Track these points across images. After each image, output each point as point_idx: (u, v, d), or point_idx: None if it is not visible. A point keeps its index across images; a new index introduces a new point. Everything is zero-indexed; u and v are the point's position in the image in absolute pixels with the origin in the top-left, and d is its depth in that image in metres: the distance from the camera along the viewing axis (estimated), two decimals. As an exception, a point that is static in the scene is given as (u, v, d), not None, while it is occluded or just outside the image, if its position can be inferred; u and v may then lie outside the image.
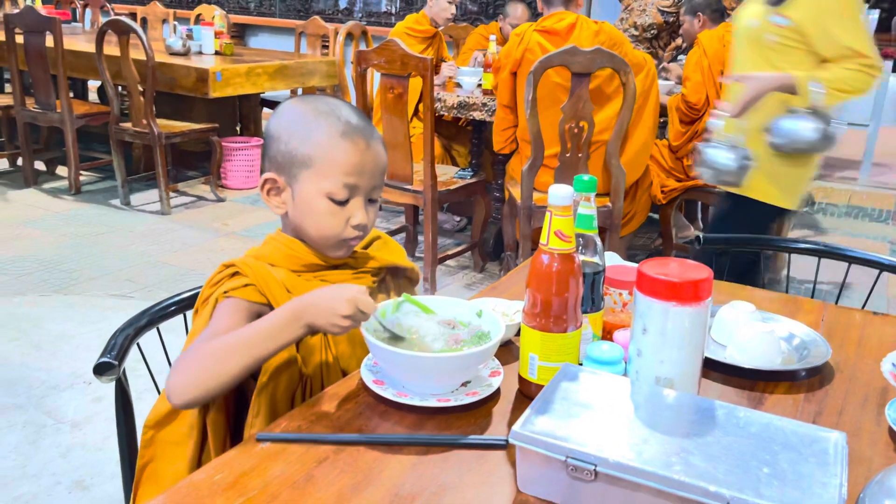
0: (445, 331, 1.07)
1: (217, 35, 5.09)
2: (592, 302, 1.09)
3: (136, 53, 4.26)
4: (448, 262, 3.79)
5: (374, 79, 3.73)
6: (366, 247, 1.27)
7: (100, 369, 1.11)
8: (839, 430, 0.86)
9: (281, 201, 1.18)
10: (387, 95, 3.30)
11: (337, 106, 1.17)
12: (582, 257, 1.06)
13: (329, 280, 1.18)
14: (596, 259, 1.08)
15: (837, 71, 2.17)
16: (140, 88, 4.31)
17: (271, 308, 1.08)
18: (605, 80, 3.06)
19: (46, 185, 4.88)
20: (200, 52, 5.04)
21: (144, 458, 1.14)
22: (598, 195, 3.06)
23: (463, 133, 4.27)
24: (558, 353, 1.02)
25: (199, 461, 1.12)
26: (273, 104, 5.68)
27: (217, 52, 5.07)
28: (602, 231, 3.22)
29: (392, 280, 1.30)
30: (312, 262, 1.17)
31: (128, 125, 4.41)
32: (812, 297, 1.60)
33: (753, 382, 1.12)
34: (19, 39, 4.53)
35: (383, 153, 1.19)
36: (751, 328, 1.17)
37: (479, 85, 3.77)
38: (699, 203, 3.99)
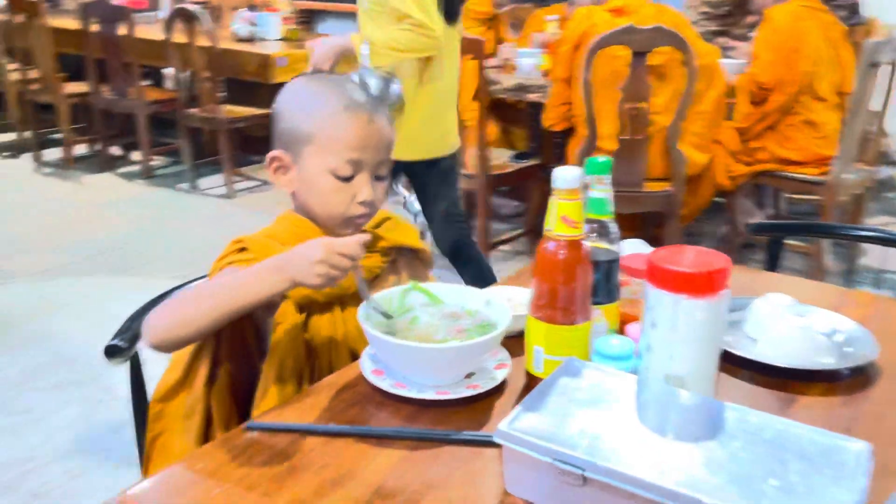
0: (448, 321, 1.02)
1: (282, 21, 5.13)
2: (607, 292, 1.02)
3: (204, 41, 4.34)
4: (502, 247, 3.73)
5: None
6: (376, 227, 1.24)
7: (109, 352, 1.12)
8: (876, 439, 0.78)
9: (288, 180, 1.17)
10: (441, 78, 3.25)
11: (342, 81, 1.16)
12: (595, 244, 1.00)
13: None
14: (611, 246, 1.01)
15: (392, 31, 2.28)
16: (206, 74, 4.39)
17: None
18: (667, 60, 2.93)
19: (121, 170, 5.05)
20: (265, 39, 5.10)
21: (154, 431, 1.14)
22: (657, 179, 3.01)
23: (522, 116, 4.18)
24: (565, 346, 0.96)
25: (206, 436, 1.11)
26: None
27: (282, 38, 5.12)
28: (661, 217, 3.10)
29: (403, 262, 1.27)
30: None
31: (195, 111, 4.51)
32: (877, 289, 1.48)
33: (785, 382, 1.03)
34: (95, 29, 4.68)
35: (388, 128, 1.16)
36: (785, 322, 1.08)
37: (538, 66, 3.67)
38: (770, 189, 3.79)
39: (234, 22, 5.11)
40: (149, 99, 4.69)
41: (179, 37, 4.41)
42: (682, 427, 0.80)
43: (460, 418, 0.94)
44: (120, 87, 4.71)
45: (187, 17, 4.29)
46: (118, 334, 1.14)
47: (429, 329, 1.01)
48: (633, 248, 1.16)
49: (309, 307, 1.10)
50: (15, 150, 5.42)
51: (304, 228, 1.15)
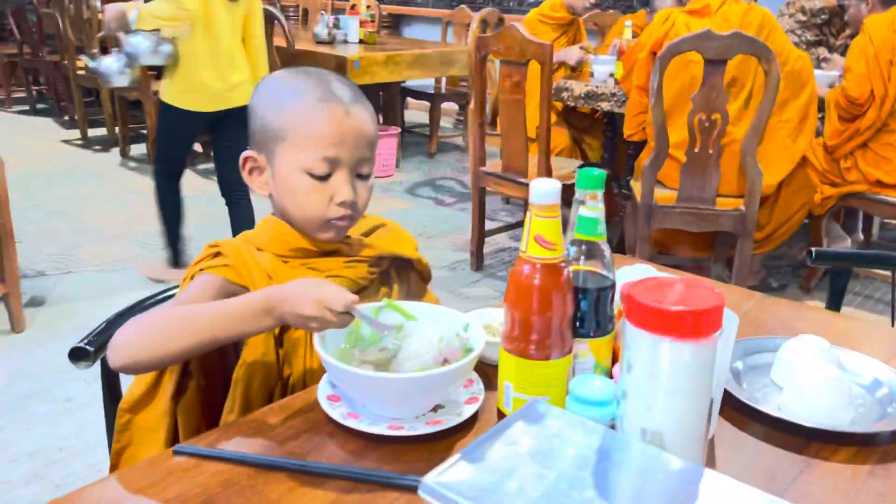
0: (433, 347, 0.90)
1: (362, 24, 5.14)
2: (597, 324, 0.89)
3: (282, 41, 4.38)
4: (566, 261, 3.58)
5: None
6: (366, 234, 1.16)
7: (74, 355, 1.07)
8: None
9: (263, 182, 1.10)
10: (505, 83, 3.14)
11: (317, 75, 1.08)
12: (584, 268, 0.87)
13: (318, 268, 1.08)
14: (603, 271, 0.88)
15: (155, 2, 2.86)
16: (281, 75, 4.43)
17: (248, 292, 0.99)
18: (741, 64, 2.72)
19: (201, 167, 5.16)
20: (346, 41, 5.12)
21: (121, 442, 1.08)
22: (730, 196, 2.80)
23: (597, 125, 4.01)
24: (537, 384, 0.84)
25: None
26: (414, 94, 5.68)
27: (361, 41, 5.13)
28: (732, 237, 2.88)
29: (397, 274, 1.18)
30: (300, 247, 1.08)
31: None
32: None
33: (807, 442, 0.87)
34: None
35: (369, 121, 1.07)
36: (814, 370, 0.92)
37: (612, 74, 3.51)
38: (860, 213, 3.49)
39: (317, 24, 5.16)
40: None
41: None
42: (649, 498, 0.67)
43: (416, 457, 0.83)
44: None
45: (266, 18, 4.34)
46: (88, 337, 1.09)
47: (405, 355, 0.90)
48: (640, 274, 1.02)
49: None
50: (105, 144, 5.65)
51: (284, 234, 1.08)
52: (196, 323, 0.91)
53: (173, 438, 1.05)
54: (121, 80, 3.03)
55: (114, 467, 1.09)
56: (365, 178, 1.08)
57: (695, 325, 0.71)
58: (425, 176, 5.14)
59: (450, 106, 6.24)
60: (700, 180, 2.77)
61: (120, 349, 0.93)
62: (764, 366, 1.02)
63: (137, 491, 0.76)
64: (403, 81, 5.35)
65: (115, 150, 5.46)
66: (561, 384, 0.84)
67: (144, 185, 4.79)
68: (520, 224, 3.86)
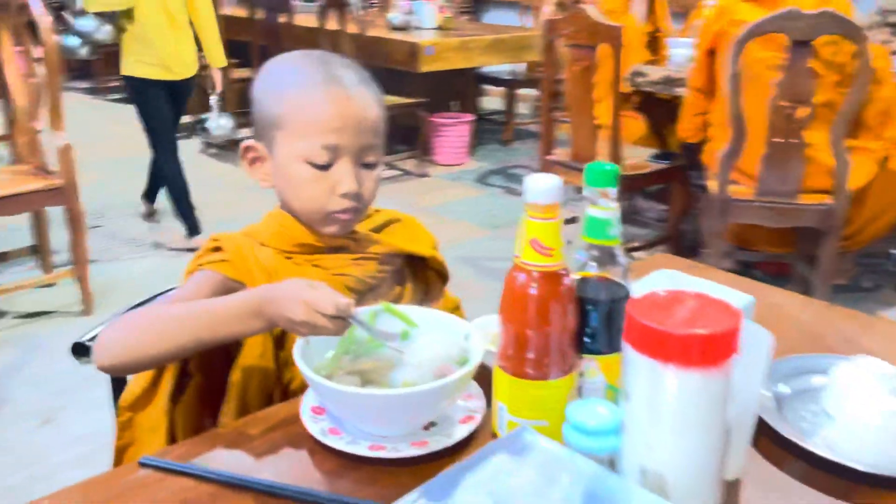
0: (432, 359, 0.82)
1: (438, 10, 5.06)
2: (609, 339, 0.78)
3: (354, 28, 4.36)
4: (637, 254, 3.41)
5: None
6: (378, 229, 1.08)
7: (77, 350, 1.04)
8: None
9: (264, 173, 1.03)
10: (573, 68, 3.00)
11: (319, 58, 1.01)
12: (595, 274, 0.77)
13: (322, 265, 1.01)
14: (617, 279, 0.78)
15: None
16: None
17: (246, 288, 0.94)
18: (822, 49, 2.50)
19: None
20: (420, 27, 5.05)
21: (123, 439, 1.04)
22: (816, 191, 2.59)
23: (677, 112, 3.80)
24: (533, 407, 0.74)
25: None
26: (490, 80, 5.56)
27: (438, 27, 5.05)
28: (818, 234, 2.66)
29: (413, 272, 1.10)
30: (305, 243, 1.01)
31: (341, 98, 4.54)
32: None
33: (854, 486, 0.74)
34: (260, 16, 4.85)
35: (373, 106, 0.99)
36: (869, 401, 0.78)
37: (691, 58, 3.30)
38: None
39: (393, 10, 5.11)
40: (302, 85, 4.79)
41: (334, 24, 4.46)
42: (637, 551, 0.57)
43: (395, 482, 0.75)
44: (277, 74, 4.86)
45: (339, 5, 4.33)
46: (91, 337, 1.05)
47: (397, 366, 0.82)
48: (665, 282, 0.90)
49: None
50: (188, 131, 5.78)
51: (288, 228, 1.01)
52: (181, 324, 0.86)
53: (172, 439, 1.01)
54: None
55: (117, 465, 1.06)
56: (371, 167, 1.00)
57: (704, 350, 0.60)
58: (498, 164, 5.03)
59: (528, 92, 6.09)
60: (782, 173, 2.56)
61: (103, 349, 0.88)
62: (815, 390, 0.88)
63: (105, 499, 0.72)
64: (478, 68, 5.24)
65: (198, 138, 5.59)
66: (560, 407, 0.74)
67: (221, 172, 4.88)
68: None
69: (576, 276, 0.76)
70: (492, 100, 6.62)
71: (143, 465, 0.77)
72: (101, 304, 2.94)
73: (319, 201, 0.97)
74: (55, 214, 2.95)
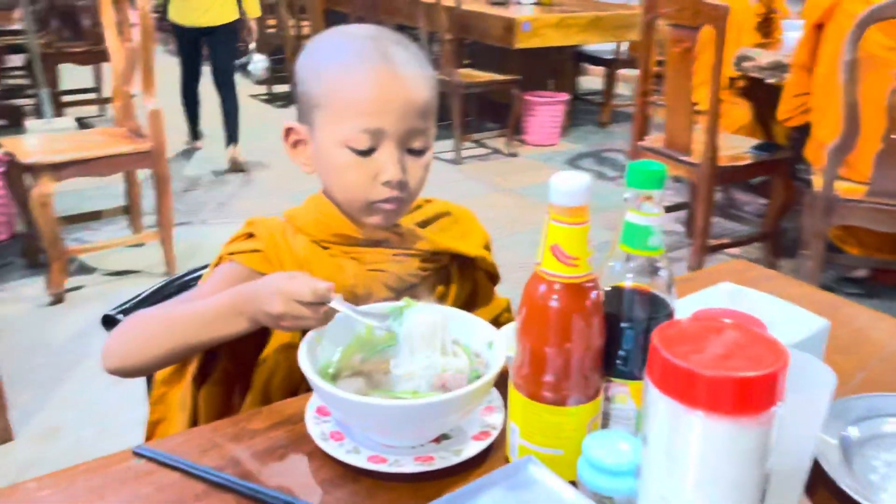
0: (429, 368, 0.75)
1: (540, -16, 4.91)
2: (644, 363, 0.68)
3: (451, 1, 4.27)
4: (730, 250, 3.21)
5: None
6: (425, 223, 1.00)
7: (106, 322, 1.02)
8: None
9: (306, 156, 0.97)
10: (673, 50, 2.82)
11: (365, 33, 0.92)
12: (633, 286, 0.67)
13: (360, 259, 0.95)
14: (659, 294, 0.68)
15: None
16: (447, 36, 4.33)
17: None
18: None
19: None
20: (520, 2, 4.92)
21: (156, 414, 1.03)
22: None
23: (787, 101, 3.54)
24: (547, 433, 0.66)
25: None
26: (591, 58, 5.37)
27: (537, 3, 4.90)
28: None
29: (460, 272, 1.02)
30: (343, 234, 0.95)
31: (434, 73, 4.47)
32: None
33: (926, 562, 0.63)
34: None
35: (422, 86, 0.89)
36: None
37: (805, 41, 3.05)
38: None
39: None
40: (397, 58, 4.75)
41: (432, -4, 4.39)
42: None
43: (396, 498, 0.69)
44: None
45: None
46: (121, 306, 1.04)
47: (399, 371, 0.76)
48: (723, 299, 0.79)
49: None
50: (287, 100, 5.87)
51: (328, 216, 0.95)
52: (171, 327, 0.84)
53: (194, 421, 0.98)
54: None
55: (148, 439, 1.04)
56: (419, 153, 0.92)
57: (737, 396, 0.50)
58: (592, 146, 4.85)
59: (629, 73, 5.84)
60: (898, 170, 2.33)
61: (107, 352, 0.87)
62: (891, 436, 0.76)
63: (67, 498, 0.68)
64: (578, 46, 5.06)
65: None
66: (579, 437, 0.65)
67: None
68: (684, 206, 3.52)
69: (608, 288, 0.67)
70: (592, 79, 6.40)
71: (136, 454, 0.74)
72: (184, 266, 3.01)
73: (360, 189, 0.90)
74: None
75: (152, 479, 0.71)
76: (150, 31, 2.64)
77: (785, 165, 3.00)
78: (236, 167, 4.24)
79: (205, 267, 1.05)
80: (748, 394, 0.50)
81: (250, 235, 0.95)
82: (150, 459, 0.73)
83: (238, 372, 0.98)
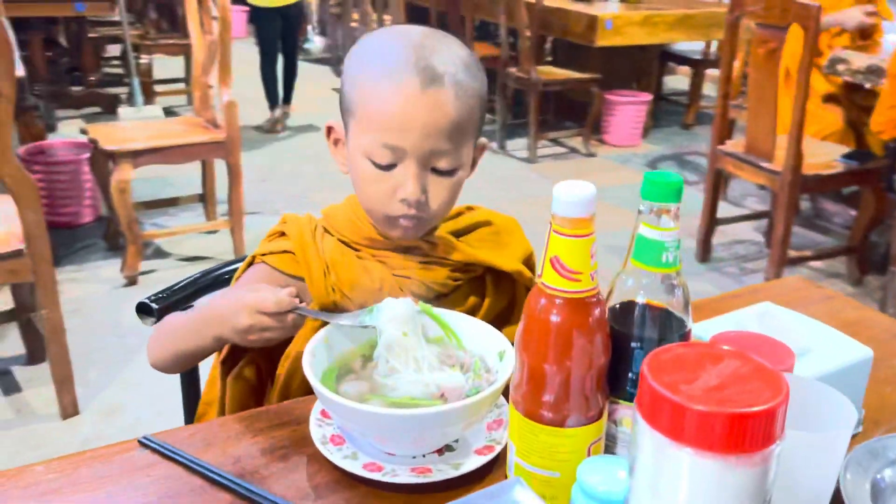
0: (434, 377, 0.73)
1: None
2: (655, 386, 0.64)
3: (533, -3, 4.22)
4: (812, 263, 3.04)
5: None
6: (461, 232, 0.97)
7: (140, 309, 1.04)
8: None
9: (343, 156, 0.95)
10: (758, 50, 2.70)
11: (407, 38, 0.86)
12: (645, 303, 0.63)
13: (388, 263, 0.93)
14: (675, 312, 0.63)
15: None
16: (527, 33, 4.27)
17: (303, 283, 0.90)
18: None
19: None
20: (606, -1, 4.81)
21: (211, 393, 1.04)
22: None
23: (884, 107, 3.33)
24: (544, 454, 0.63)
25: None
26: (677, 57, 5.20)
27: (623, 0, 4.78)
28: None
29: (495, 284, 0.97)
30: (373, 237, 0.93)
31: (513, 70, 4.43)
32: None
33: None
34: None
35: (453, 106, 0.84)
36: None
37: (905, 44, 2.86)
38: None
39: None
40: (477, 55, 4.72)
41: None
42: None
43: (387, 509, 0.67)
44: (454, 41, 4.83)
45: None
46: (156, 295, 1.06)
47: (397, 380, 0.74)
48: (753, 322, 0.74)
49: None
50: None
51: (360, 218, 0.94)
52: (171, 335, 0.89)
53: (223, 408, 0.99)
54: None
55: (199, 419, 1.05)
56: (444, 173, 0.87)
57: (729, 434, 0.46)
58: (674, 149, 4.71)
59: (718, 73, 5.64)
60: None
61: (147, 351, 0.94)
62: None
63: (65, 483, 0.69)
64: (664, 44, 4.92)
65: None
66: (577, 459, 0.62)
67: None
68: (766, 214, 3.37)
69: (618, 304, 0.63)
70: (679, 79, 6.22)
71: (141, 444, 0.74)
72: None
73: (379, 202, 0.88)
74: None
75: (153, 471, 0.71)
76: (229, 24, 2.71)
77: (877, 176, 2.82)
78: (280, 125, 4.78)
79: (241, 260, 1.06)
80: (741, 431, 0.46)
81: (282, 234, 0.95)
82: (154, 451, 0.73)
83: (266, 368, 0.98)
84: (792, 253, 2.83)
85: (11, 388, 2.18)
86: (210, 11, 2.84)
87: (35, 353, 2.26)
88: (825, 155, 2.85)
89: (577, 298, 0.59)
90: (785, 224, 2.70)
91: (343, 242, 0.94)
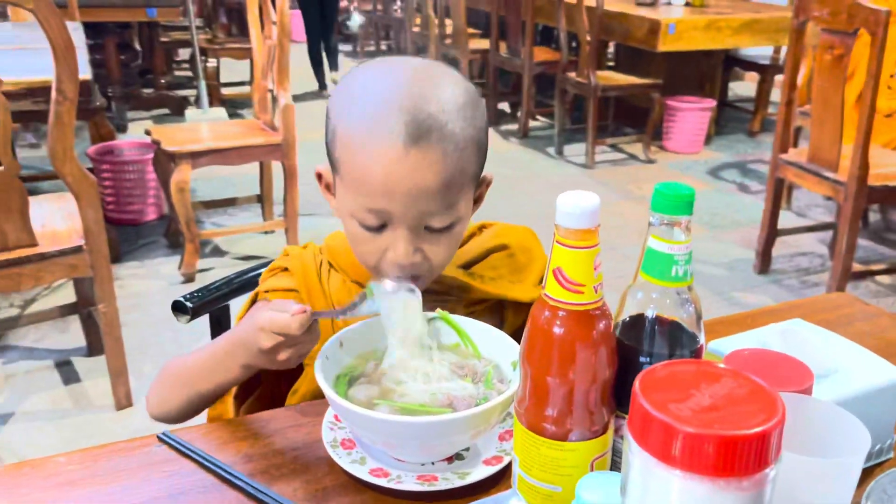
0: (443, 386, 0.73)
1: (693, -16, 4.68)
2: (664, 403, 0.63)
3: (592, 1, 4.17)
4: (879, 277, 2.92)
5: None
6: (473, 262, 0.93)
7: (176, 307, 1.07)
8: None
9: (335, 204, 0.86)
10: (824, 56, 2.60)
11: (395, 81, 0.77)
12: (654, 316, 0.62)
13: None
14: (687, 327, 0.62)
15: None
16: (588, 38, 4.23)
17: None
18: None
19: (504, 127, 5.20)
20: (670, 2, 4.72)
21: (217, 409, 1.07)
22: None
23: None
24: (545, 468, 0.62)
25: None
26: (743, 63, 5.07)
27: (687, 4, 4.69)
28: None
29: (514, 309, 0.92)
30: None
31: (572, 74, 4.39)
32: None
33: None
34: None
35: (440, 164, 0.75)
36: None
37: None
38: None
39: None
40: (536, 59, 4.71)
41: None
42: None
43: (390, 516, 0.67)
44: (514, 46, 4.82)
45: (579, -23, 4.16)
46: (192, 293, 1.08)
47: (408, 384, 0.74)
48: (776, 340, 0.71)
49: None
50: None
51: (360, 262, 0.87)
52: (183, 378, 0.86)
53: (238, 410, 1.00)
54: None
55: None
56: (440, 231, 0.79)
57: (719, 457, 0.44)
58: (737, 157, 4.58)
59: (788, 80, 5.46)
60: None
61: (147, 401, 0.91)
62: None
63: (84, 476, 0.72)
64: (730, 49, 4.80)
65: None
66: (579, 475, 0.60)
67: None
68: (831, 226, 3.24)
69: (627, 318, 0.62)
70: (746, 85, 6.06)
71: (160, 439, 0.76)
72: (307, 255, 3.13)
73: (372, 261, 0.81)
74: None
75: (168, 467, 0.73)
76: (288, 28, 2.76)
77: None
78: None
79: (268, 263, 1.08)
80: (731, 454, 0.44)
81: (285, 269, 0.92)
82: (171, 447, 0.75)
83: (278, 395, 0.96)
84: (857, 266, 2.72)
85: (71, 378, 2.26)
86: (270, 16, 2.90)
87: (94, 346, 2.35)
88: (890, 165, 2.72)
89: (580, 311, 0.58)
90: (849, 236, 2.60)
91: (349, 281, 0.90)
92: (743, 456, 0.44)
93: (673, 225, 0.60)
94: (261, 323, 0.73)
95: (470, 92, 0.80)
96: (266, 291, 0.91)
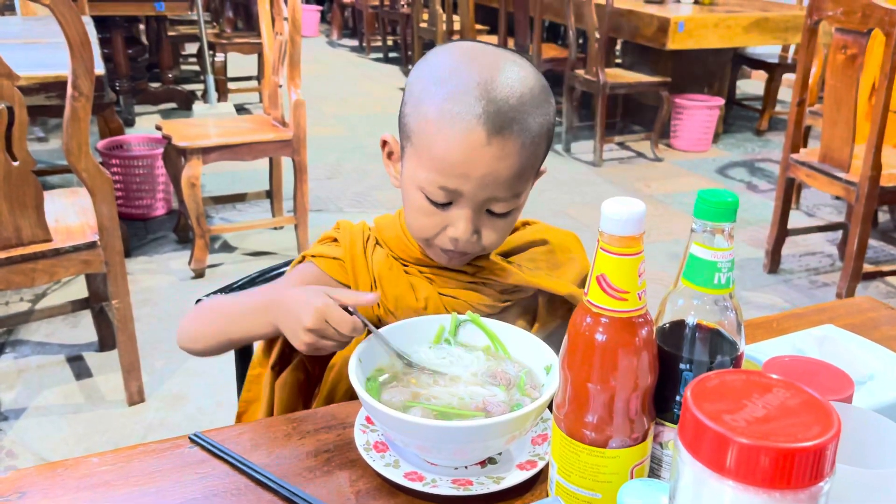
0: (477, 391, 0.73)
1: (702, -18, 4.67)
2: (703, 410, 0.62)
3: (603, -1, 4.16)
4: (889, 279, 2.91)
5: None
6: (514, 251, 0.95)
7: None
8: None
9: (396, 171, 0.93)
10: (837, 56, 2.60)
11: (480, 69, 0.80)
12: (695, 323, 0.61)
13: (436, 281, 0.92)
14: (727, 334, 0.61)
15: None
16: (596, 35, 4.22)
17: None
18: None
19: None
20: (679, 1, 4.70)
21: (251, 392, 1.05)
22: None
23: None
24: (585, 474, 0.62)
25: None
26: (752, 61, 5.05)
27: (696, 1, 4.67)
28: None
29: (548, 306, 0.94)
30: (419, 257, 0.92)
31: (580, 71, 4.38)
32: None
33: None
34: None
35: (517, 155, 0.80)
36: None
37: None
38: None
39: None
40: (544, 56, 4.69)
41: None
42: None
43: (425, 520, 0.67)
44: (522, 43, 4.81)
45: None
46: (218, 290, 1.08)
47: (440, 388, 0.74)
48: (811, 346, 0.71)
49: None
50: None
51: (406, 238, 0.92)
52: (217, 318, 0.89)
53: (271, 411, 1.00)
54: None
55: (239, 417, 1.08)
56: (500, 216, 0.85)
57: (774, 469, 0.44)
58: (745, 155, 4.58)
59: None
60: None
61: (180, 332, 0.94)
62: None
63: (132, 472, 0.72)
64: (739, 48, 4.78)
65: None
66: (619, 482, 0.61)
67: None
68: (841, 226, 3.24)
69: (667, 325, 0.62)
70: (754, 83, 6.04)
71: (192, 440, 0.76)
72: (316, 252, 3.13)
73: (428, 234, 0.86)
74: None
75: (201, 468, 0.73)
76: (299, 24, 2.76)
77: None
78: None
79: (286, 263, 1.08)
80: (787, 467, 0.44)
81: (335, 240, 0.96)
82: (204, 448, 0.75)
83: (314, 371, 0.99)
84: (867, 267, 2.72)
85: (83, 373, 2.27)
86: (281, 11, 2.90)
87: (106, 341, 2.35)
88: (908, 166, 2.72)
89: (623, 318, 0.58)
90: (860, 237, 2.59)
91: (392, 257, 0.93)
92: (800, 468, 0.44)
93: (715, 232, 0.59)
94: (318, 303, 0.75)
95: (545, 86, 0.84)
96: (314, 255, 0.95)
